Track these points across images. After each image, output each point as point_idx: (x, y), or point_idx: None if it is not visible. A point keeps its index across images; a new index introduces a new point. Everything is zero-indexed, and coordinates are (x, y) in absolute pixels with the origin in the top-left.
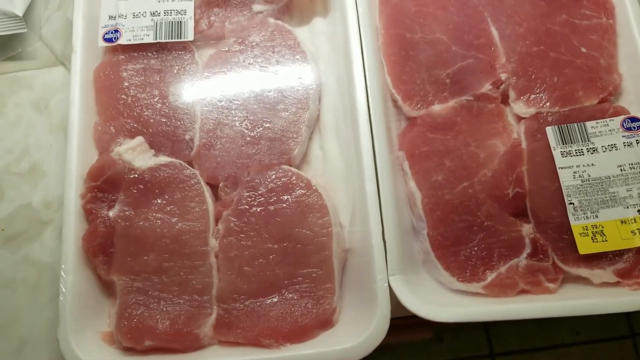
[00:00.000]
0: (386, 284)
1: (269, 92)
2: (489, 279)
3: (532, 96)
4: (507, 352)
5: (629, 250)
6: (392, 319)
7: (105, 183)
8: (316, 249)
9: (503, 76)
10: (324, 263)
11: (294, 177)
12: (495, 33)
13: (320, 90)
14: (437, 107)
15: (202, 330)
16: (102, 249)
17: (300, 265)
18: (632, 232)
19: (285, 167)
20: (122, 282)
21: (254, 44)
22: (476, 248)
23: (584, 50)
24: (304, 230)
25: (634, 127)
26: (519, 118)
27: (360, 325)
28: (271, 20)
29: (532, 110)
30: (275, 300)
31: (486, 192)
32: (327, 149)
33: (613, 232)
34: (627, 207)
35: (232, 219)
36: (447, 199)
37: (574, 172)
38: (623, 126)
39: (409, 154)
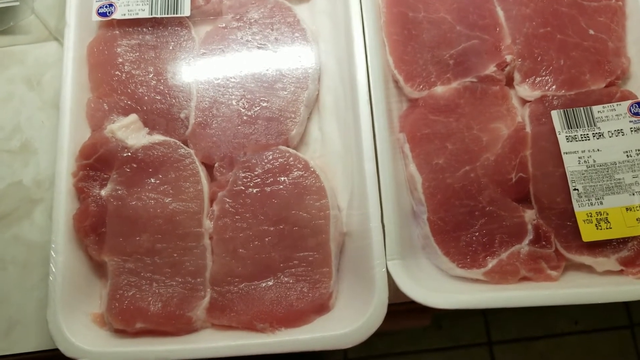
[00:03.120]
0: (384, 269)
1: (267, 70)
2: (490, 265)
3: (538, 79)
4: (505, 340)
5: (633, 238)
6: (390, 305)
7: (97, 161)
8: (313, 232)
9: (508, 58)
10: (321, 246)
11: (291, 158)
12: (500, 13)
13: (320, 69)
14: (439, 89)
15: (195, 313)
16: (94, 228)
17: (297, 249)
18: (637, 219)
19: (283, 147)
20: (113, 262)
21: (252, 20)
22: (477, 233)
23: (591, 32)
24: (300, 212)
25: None
26: (524, 101)
27: (358, 311)
28: None
29: (537, 94)
30: (270, 283)
31: (488, 177)
32: (326, 130)
33: (618, 219)
34: (633, 194)
35: (228, 200)
36: (448, 183)
37: (579, 158)
38: (630, 111)
39: (410, 136)
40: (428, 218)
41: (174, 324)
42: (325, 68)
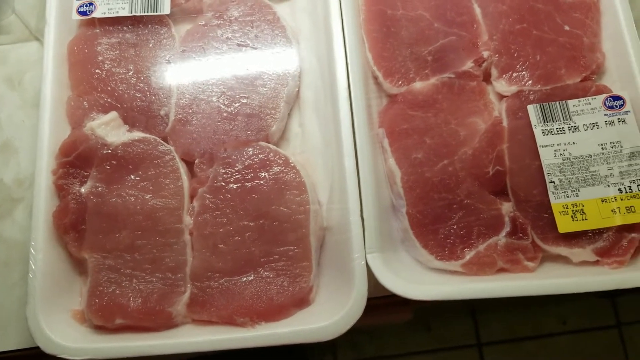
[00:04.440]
0: (363, 262)
1: (247, 67)
2: (468, 257)
3: (514, 74)
4: (494, 341)
5: (608, 229)
6: (371, 299)
7: (77, 159)
8: (293, 226)
9: (485, 54)
10: (301, 241)
11: (271, 154)
12: (477, 10)
13: (300, 66)
14: (418, 85)
15: (175, 308)
16: (73, 225)
17: (277, 243)
18: (612, 210)
19: (263, 143)
20: (93, 259)
21: (232, 18)
22: (455, 226)
23: (567, 28)
24: (281, 207)
25: (616, 106)
26: (501, 96)
27: (337, 304)
28: None
29: (513, 89)
30: (250, 278)
31: (466, 170)
32: (307, 126)
33: (593, 210)
34: (608, 185)
35: (208, 195)
36: (426, 177)
37: (555, 151)
38: (605, 105)
39: (389, 131)
40: (407, 211)
41: (153, 320)
42: (306, 65)
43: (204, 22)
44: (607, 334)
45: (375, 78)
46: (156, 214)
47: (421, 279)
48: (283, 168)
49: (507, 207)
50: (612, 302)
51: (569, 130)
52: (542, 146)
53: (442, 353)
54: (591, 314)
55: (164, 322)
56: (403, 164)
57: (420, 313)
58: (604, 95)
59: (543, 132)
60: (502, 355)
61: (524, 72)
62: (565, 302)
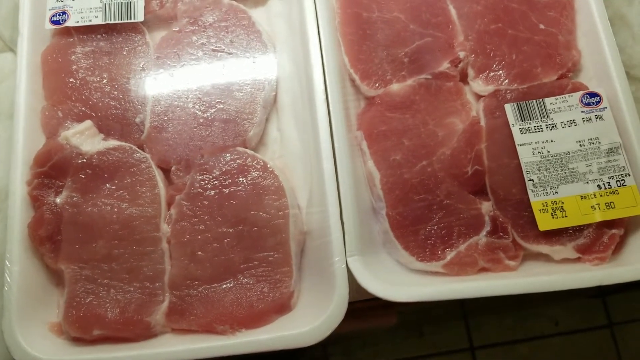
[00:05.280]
0: (344, 265)
1: (222, 72)
2: (449, 257)
3: (491, 74)
4: (487, 344)
5: (589, 225)
6: (353, 303)
7: (52, 169)
8: (272, 231)
9: (461, 54)
10: (281, 246)
11: (249, 159)
12: (453, 11)
13: (277, 70)
14: (395, 86)
15: (154, 317)
16: (49, 236)
17: (256, 249)
18: (592, 207)
19: (241, 149)
20: (70, 270)
21: (207, 24)
22: (435, 227)
23: (542, 26)
24: (259, 213)
25: (593, 103)
26: (478, 96)
27: (319, 309)
28: (225, 0)
29: (490, 88)
30: (230, 285)
31: (445, 171)
32: (285, 131)
33: (573, 207)
34: (587, 182)
35: (185, 203)
36: (406, 178)
37: (533, 149)
38: (582, 102)
39: (367, 133)
40: (387, 213)
41: (132, 330)
42: (282, 69)
43: (178, 29)
44: (599, 334)
45: (352, 81)
46: (133, 222)
47: (403, 281)
48: (261, 173)
49: (486, 207)
50: (603, 302)
51: (547, 128)
52: (520, 144)
53: (435, 358)
54: (583, 314)
55: (143, 332)
56: (382, 165)
57: (411, 318)
58: (580, 92)
59: (521, 131)
60: (495, 358)
61: (500, 72)
62: (556, 303)
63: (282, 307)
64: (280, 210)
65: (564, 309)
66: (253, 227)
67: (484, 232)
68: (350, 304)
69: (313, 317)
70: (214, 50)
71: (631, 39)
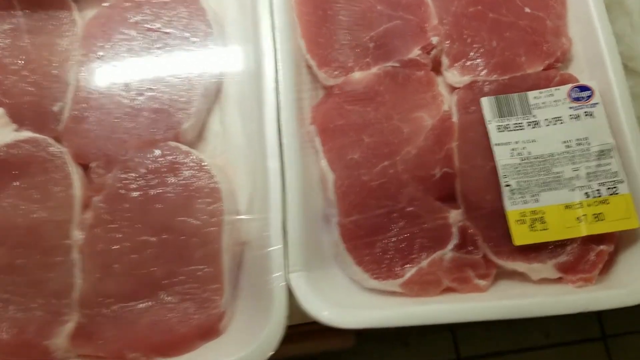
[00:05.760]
0: (284, 283)
1: (157, 55)
2: (408, 274)
3: (468, 62)
4: (475, 355)
5: (573, 240)
6: (302, 325)
7: None
8: (203, 241)
9: (434, 40)
10: (212, 258)
11: (181, 156)
12: None
13: (223, 54)
14: (357, 75)
15: (55, 341)
16: None
17: (183, 262)
18: (577, 218)
19: (173, 143)
20: None
21: (143, 0)
22: (395, 239)
23: (527, 10)
24: (189, 219)
25: (583, 97)
26: (453, 88)
27: (252, 333)
28: None
29: (466, 79)
30: (148, 304)
31: (410, 173)
32: (229, 124)
33: (556, 218)
34: (573, 189)
35: (103, 206)
36: (364, 181)
37: (512, 149)
38: (570, 96)
39: (322, 128)
40: (339, 222)
41: (28, 354)
42: (230, 53)
43: (110, 4)
44: (592, 347)
45: (309, 68)
46: (41, 227)
47: (354, 302)
48: (194, 172)
49: (455, 216)
50: (597, 314)
51: (529, 125)
52: (497, 144)
53: None
54: (575, 326)
55: (41, 358)
56: (337, 166)
57: (397, 328)
58: (569, 86)
59: (498, 128)
60: None
61: (478, 60)
62: None
63: (209, 331)
64: (213, 217)
65: (555, 320)
66: (180, 235)
67: (450, 246)
68: (295, 326)
69: (244, 344)
70: (149, 30)
71: (630, 27)
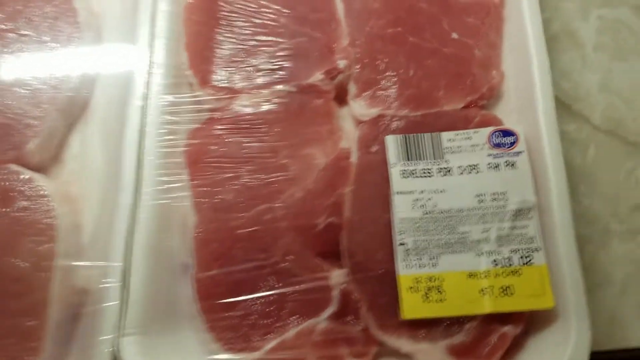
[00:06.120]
0: (109, 349)
1: (7, 61)
2: (266, 347)
3: (378, 92)
4: None
5: (473, 318)
6: None
7: None
8: (29, 288)
9: (341, 63)
10: (36, 310)
11: (19, 183)
12: (340, 6)
13: (93, 63)
14: (244, 99)
15: None
16: None
17: (3, 312)
18: (481, 291)
19: (13, 167)
20: None
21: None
22: (261, 301)
23: (455, 36)
24: (15, 260)
25: (506, 144)
26: (360, 122)
27: None
28: None
29: (374, 112)
30: None
31: (289, 220)
32: (90, 146)
33: (456, 289)
34: (480, 254)
35: None
36: (232, 227)
37: (415, 200)
38: (491, 142)
39: (193, 159)
40: (195, 275)
41: None
42: (103, 63)
43: None
44: None
45: (191, 85)
46: None
47: None
48: (31, 204)
49: (337, 277)
50: None
51: (439, 173)
52: (399, 192)
53: None
54: None
55: None
56: (202, 206)
57: None
58: (490, 129)
59: (402, 174)
60: None
61: (390, 91)
62: None
63: None
64: (43, 260)
65: None
66: (3, 279)
67: (326, 314)
68: None
69: None
70: (3, 31)
71: (581, 62)
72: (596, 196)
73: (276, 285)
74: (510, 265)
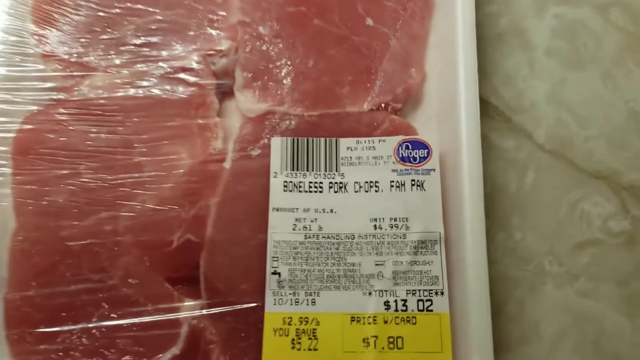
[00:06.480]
0: None
1: None
2: None
3: (270, 84)
4: None
5: None
6: None
7: None
8: None
9: (225, 44)
10: None
11: None
12: None
13: None
14: (97, 79)
15: None
16: None
17: None
18: (365, 340)
19: None
20: None
21: None
22: (87, 334)
23: (369, 22)
24: None
25: (415, 158)
26: (247, 119)
27: None
28: None
29: (263, 107)
30: None
31: (136, 234)
32: None
33: (334, 335)
34: (370, 293)
35: None
36: (61, 237)
37: (298, 220)
38: (397, 154)
39: (20, 149)
40: (5, 295)
41: None
42: None
43: None
44: None
45: (34, 58)
46: None
47: None
48: None
49: (190, 308)
50: None
51: (331, 188)
52: (277, 209)
53: None
54: None
55: None
56: (26, 209)
57: None
58: (398, 138)
59: (285, 186)
60: None
61: (282, 83)
62: None
63: None
64: None
65: None
66: None
67: (167, 355)
68: None
69: None
70: None
71: (529, 67)
72: (531, 230)
73: (110, 315)
74: (404, 310)
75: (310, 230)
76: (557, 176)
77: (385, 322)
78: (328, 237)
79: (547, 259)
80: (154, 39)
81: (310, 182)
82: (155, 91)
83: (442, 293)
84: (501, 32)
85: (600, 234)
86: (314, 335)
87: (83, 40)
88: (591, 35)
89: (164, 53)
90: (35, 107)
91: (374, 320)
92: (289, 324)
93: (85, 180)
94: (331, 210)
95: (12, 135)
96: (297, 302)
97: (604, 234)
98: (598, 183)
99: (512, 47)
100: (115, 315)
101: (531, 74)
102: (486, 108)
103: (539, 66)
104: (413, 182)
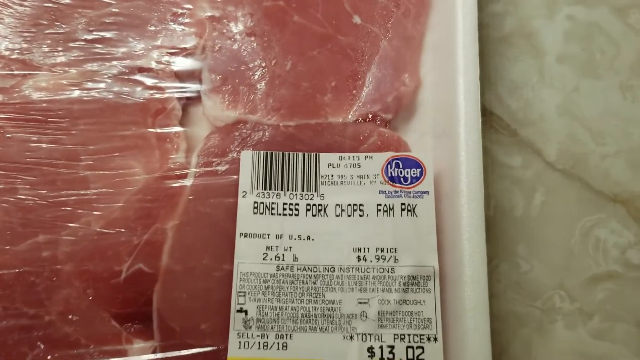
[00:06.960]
0: None
1: None
2: None
3: (242, 88)
4: None
5: None
6: None
7: None
8: None
9: (191, 41)
10: None
11: None
12: None
13: None
14: (42, 80)
15: None
16: None
17: None
18: None
19: None
20: None
21: None
22: None
23: (357, 20)
24: None
25: (406, 179)
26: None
27: None
28: None
29: (232, 115)
30: None
31: (78, 262)
32: None
33: None
34: (351, 337)
35: None
36: None
37: (269, 248)
38: (386, 173)
39: None
40: None
41: None
42: None
43: None
44: None
45: None
46: None
47: None
48: None
49: (139, 351)
50: None
51: (308, 211)
52: (245, 235)
53: None
54: None
55: None
56: None
57: None
58: (387, 155)
59: (255, 208)
60: None
61: (256, 88)
62: None
63: None
64: None
65: None
66: None
67: None
68: None
69: None
70: None
71: (538, 74)
72: (540, 260)
73: (47, 357)
74: (391, 358)
75: (283, 260)
76: (569, 199)
77: None
78: (304, 269)
79: (557, 294)
80: (107, 35)
81: (285, 204)
82: (107, 94)
83: (435, 339)
84: (507, 34)
85: (617, 266)
86: None
87: (27, 34)
88: (608, 39)
89: (119, 50)
90: None
91: None
92: None
93: (22, 196)
94: (308, 238)
95: None
96: (266, 346)
97: (622, 266)
98: (615, 207)
99: (519, 52)
100: (52, 358)
101: (540, 82)
102: (489, 120)
103: (549, 74)
104: (403, 207)
